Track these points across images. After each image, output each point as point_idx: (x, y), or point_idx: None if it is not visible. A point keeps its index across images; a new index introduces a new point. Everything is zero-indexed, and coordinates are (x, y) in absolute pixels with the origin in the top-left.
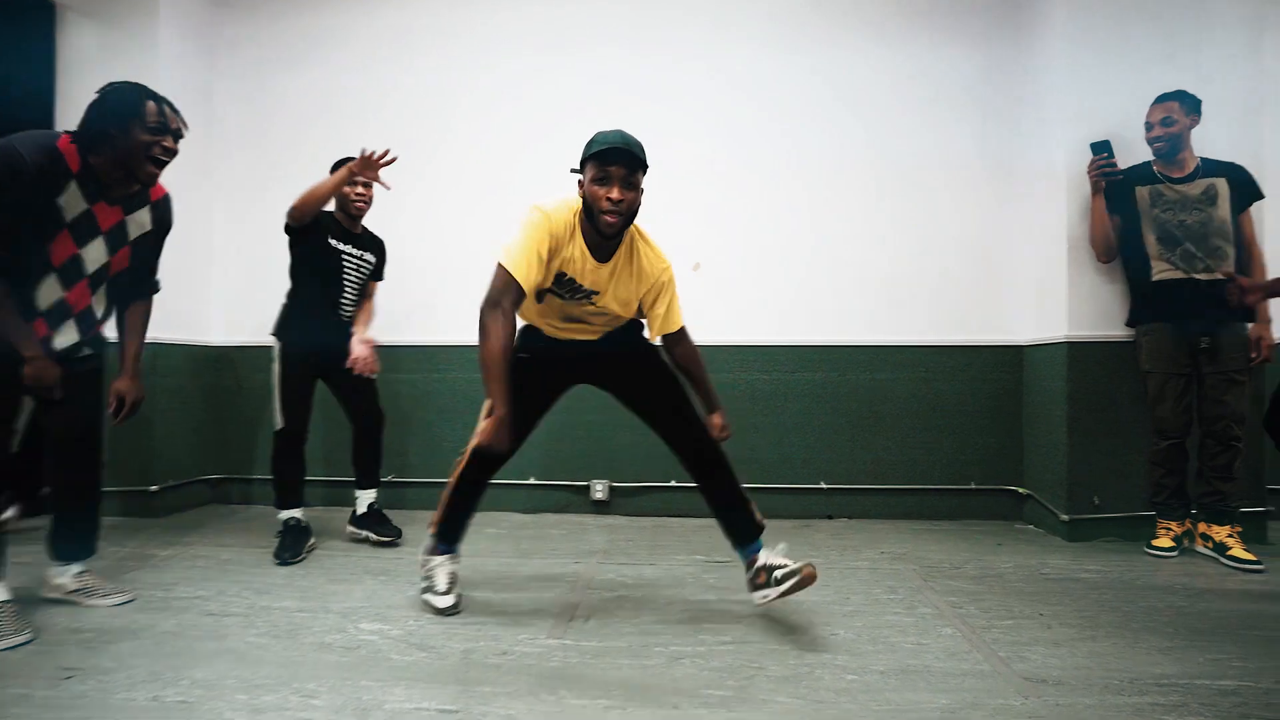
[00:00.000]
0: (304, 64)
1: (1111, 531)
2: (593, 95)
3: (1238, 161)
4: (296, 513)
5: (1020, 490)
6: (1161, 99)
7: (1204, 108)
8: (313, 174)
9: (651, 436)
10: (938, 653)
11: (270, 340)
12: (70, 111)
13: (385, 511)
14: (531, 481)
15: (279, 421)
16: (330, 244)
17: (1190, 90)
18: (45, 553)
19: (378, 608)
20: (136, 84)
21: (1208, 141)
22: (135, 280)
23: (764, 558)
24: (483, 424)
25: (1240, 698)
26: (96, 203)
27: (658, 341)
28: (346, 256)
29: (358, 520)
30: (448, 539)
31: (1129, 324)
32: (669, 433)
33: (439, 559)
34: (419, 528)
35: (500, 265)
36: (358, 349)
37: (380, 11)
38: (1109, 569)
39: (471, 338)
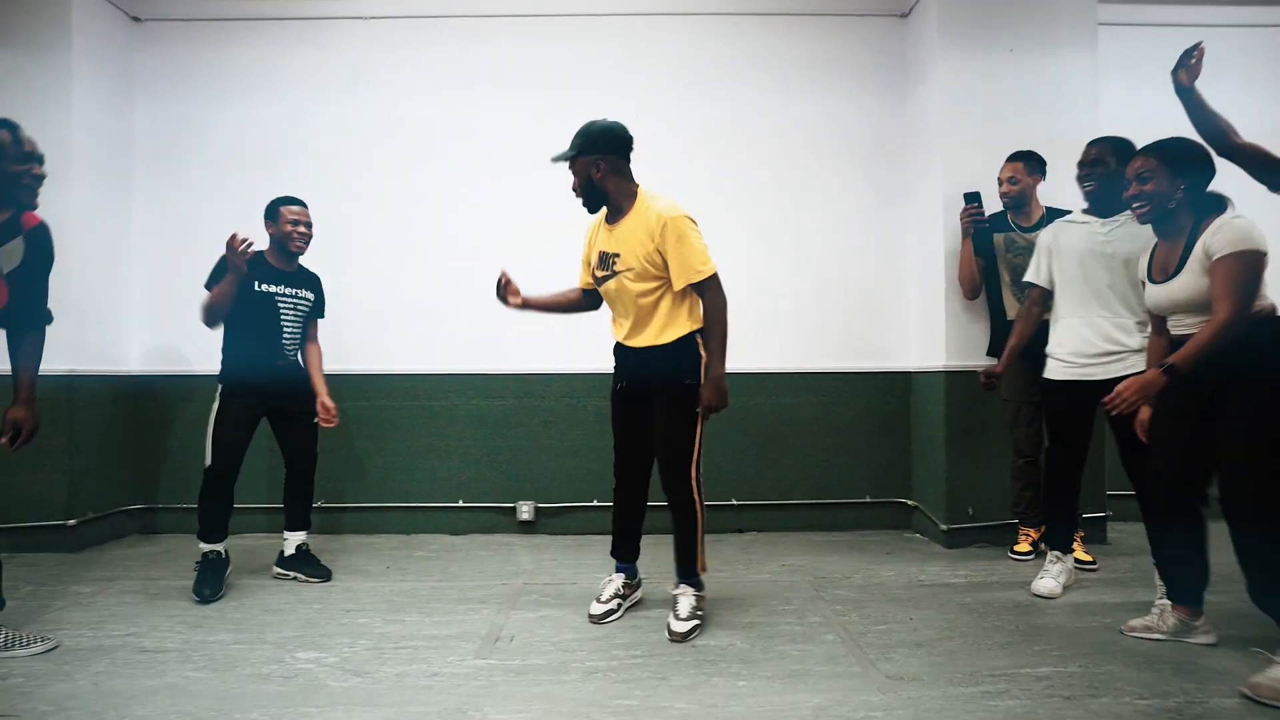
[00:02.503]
0: (225, 93)
1: (983, 538)
2: (514, 131)
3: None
4: (217, 546)
5: (909, 502)
6: (1010, 158)
7: (1054, 160)
8: (232, 202)
9: (575, 459)
10: (819, 658)
11: (191, 369)
12: None
13: (313, 549)
14: (460, 504)
15: (208, 459)
16: (257, 289)
17: (1039, 147)
18: None
19: (312, 636)
20: None
21: (1053, 191)
22: (22, 314)
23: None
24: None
25: (1050, 682)
26: None
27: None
28: (281, 298)
29: (285, 561)
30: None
31: (988, 354)
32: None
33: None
34: (353, 555)
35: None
36: (325, 402)
37: (299, 47)
38: (975, 574)
39: (403, 368)
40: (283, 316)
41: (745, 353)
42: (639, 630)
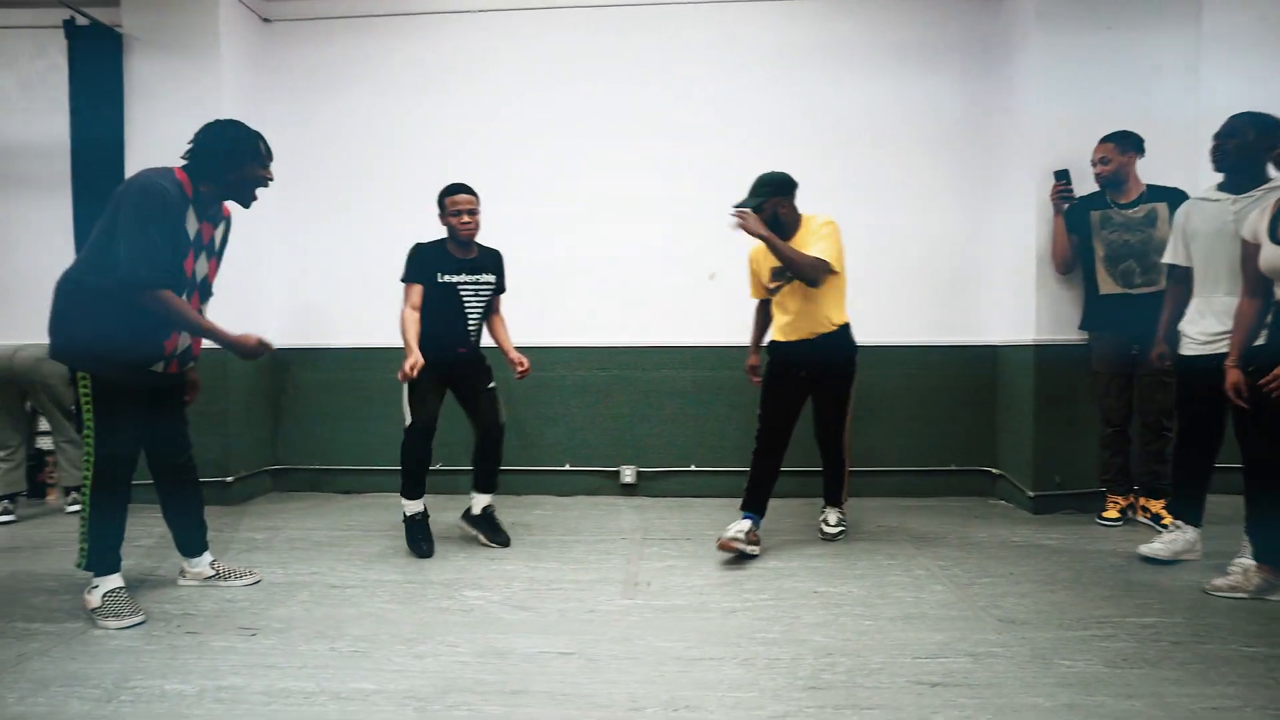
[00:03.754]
0: (348, 85)
1: (1070, 505)
2: (617, 118)
3: (1179, 186)
4: (419, 504)
5: (993, 470)
6: (1102, 140)
7: (1153, 137)
8: (356, 192)
9: (673, 425)
10: (932, 604)
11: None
12: (137, 137)
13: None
14: (566, 468)
15: (407, 418)
16: (439, 279)
17: (1137, 124)
18: (175, 549)
19: (470, 579)
20: (237, 123)
21: (1155, 168)
22: (207, 287)
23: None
24: None
25: (1155, 629)
26: (203, 222)
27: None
28: (462, 286)
29: (472, 520)
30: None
31: (1081, 328)
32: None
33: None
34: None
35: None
36: (513, 357)
37: (418, 38)
38: (1066, 537)
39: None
40: (465, 304)
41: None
42: (763, 578)
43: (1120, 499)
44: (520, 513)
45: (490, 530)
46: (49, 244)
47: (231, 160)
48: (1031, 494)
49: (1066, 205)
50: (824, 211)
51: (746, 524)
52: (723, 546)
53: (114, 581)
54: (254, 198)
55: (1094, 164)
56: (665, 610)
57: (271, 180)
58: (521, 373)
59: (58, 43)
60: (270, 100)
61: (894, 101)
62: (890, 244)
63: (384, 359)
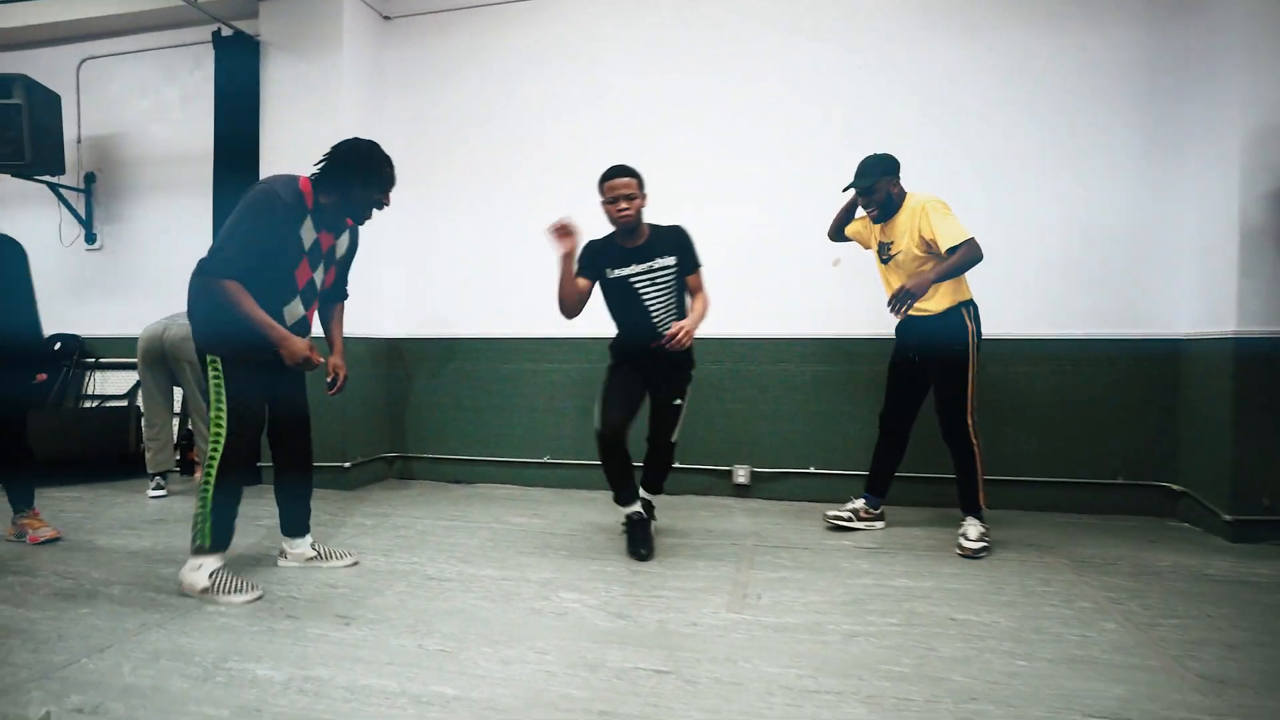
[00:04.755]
0: (464, 76)
1: (1278, 534)
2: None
3: None
4: (635, 507)
5: (1174, 486)
6: None
7: None
8: (473, 183)
9: (791, 424)
10: (1103, 645)
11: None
12: (271, 137)
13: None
14: (675, 465)
15: (596, 422)
16: (610, 276)
17: None
18: (279, 529)
19: (568, 579)
20: (374, 144)
21: None
22: (337, 289)
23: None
24: None
25: None
26: (321, 231)
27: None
28: (635, 279)
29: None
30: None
31: None
32: (940, 424)
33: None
34: (581, 508)
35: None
36: (676, 327)
37: (528, 28)
38: (1276, 575)
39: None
40: (644, 297)
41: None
42: (890, 598)
43: None
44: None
45: (638, 539)
46: (194, 242)
47: (355, 179)
48: (1228, 517)
49: None
50: (932, 190)
51: (860, 502)
52: (828, 523)
53: (217, 562)
54: (369, 217)
55: None
56: (776, 629)
57: (387, 205)
58: (677, 340)
59: (210, 55)
60: (389, 95)
61: (1056, 51)
62: (1044, 219)
63: (499, 350)
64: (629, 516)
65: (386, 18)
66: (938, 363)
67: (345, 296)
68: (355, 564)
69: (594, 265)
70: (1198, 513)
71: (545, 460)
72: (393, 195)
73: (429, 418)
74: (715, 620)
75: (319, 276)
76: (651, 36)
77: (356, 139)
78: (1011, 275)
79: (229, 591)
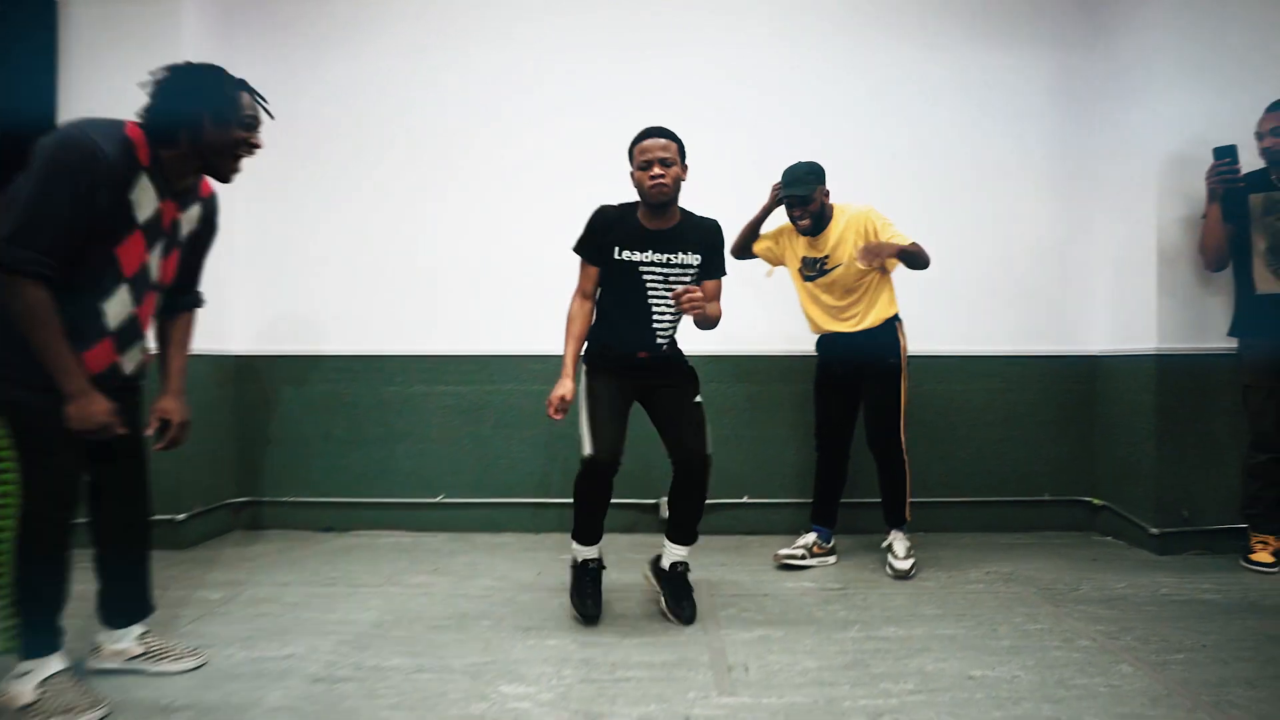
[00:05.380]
0: (334, 52)
1: (1198, 544)
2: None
3: None
4: (593, 550)
5: (1094, 501)
6: (1273, 108)
7: None
8: (340, 172)
9: (723, 449)
10: (1136, 696)
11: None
12: (74, 104)
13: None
14: (745, 500)
15: (586, 446)
16: (617, 255)
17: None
18: (96, 618)
19: (505, 663)
20: (217, 68)
21: None
22: (182, 289)
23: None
24: None
25: None
26: (165, 199)
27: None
28: (647, 268)
29: (659, 573)
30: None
31: (1231, 334)
32: (869, 438)
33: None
34: (491, 557)
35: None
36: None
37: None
38: (1226, 587)
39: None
40: (650, 293)
41: (910, 335)
42: (891, 654)
43: (1271, 539)
44: (545, 555)
45: (676, 595)
46: None
47: (202, 113)
48: (1155, 531)
49: (1224, 189)
50: (863, 202)
51: (811, 537)
52: (779, 563)
53: (53, 664)
54: (234, 169)
55: (1262, 136)
56: (786, 714)
57: (257, 146)
58: (682, 293)
59: None
60: (245, 64)
61: (978, 71)
62: (968, 242)
63: (383, 370)
64: (585, 562)
65: None
66: (870, 377)
67: (197, 303)
68: (201, 665)
69: (602, 240)
70: (1118, 526)
71: (439, 500)
72: (252, 176)
73: (291, 453)
74: (711, 710)
75: (154, 261)
76: (568, 19)
77: (188, 63)
78: (938, 291)
79: (55, 714)
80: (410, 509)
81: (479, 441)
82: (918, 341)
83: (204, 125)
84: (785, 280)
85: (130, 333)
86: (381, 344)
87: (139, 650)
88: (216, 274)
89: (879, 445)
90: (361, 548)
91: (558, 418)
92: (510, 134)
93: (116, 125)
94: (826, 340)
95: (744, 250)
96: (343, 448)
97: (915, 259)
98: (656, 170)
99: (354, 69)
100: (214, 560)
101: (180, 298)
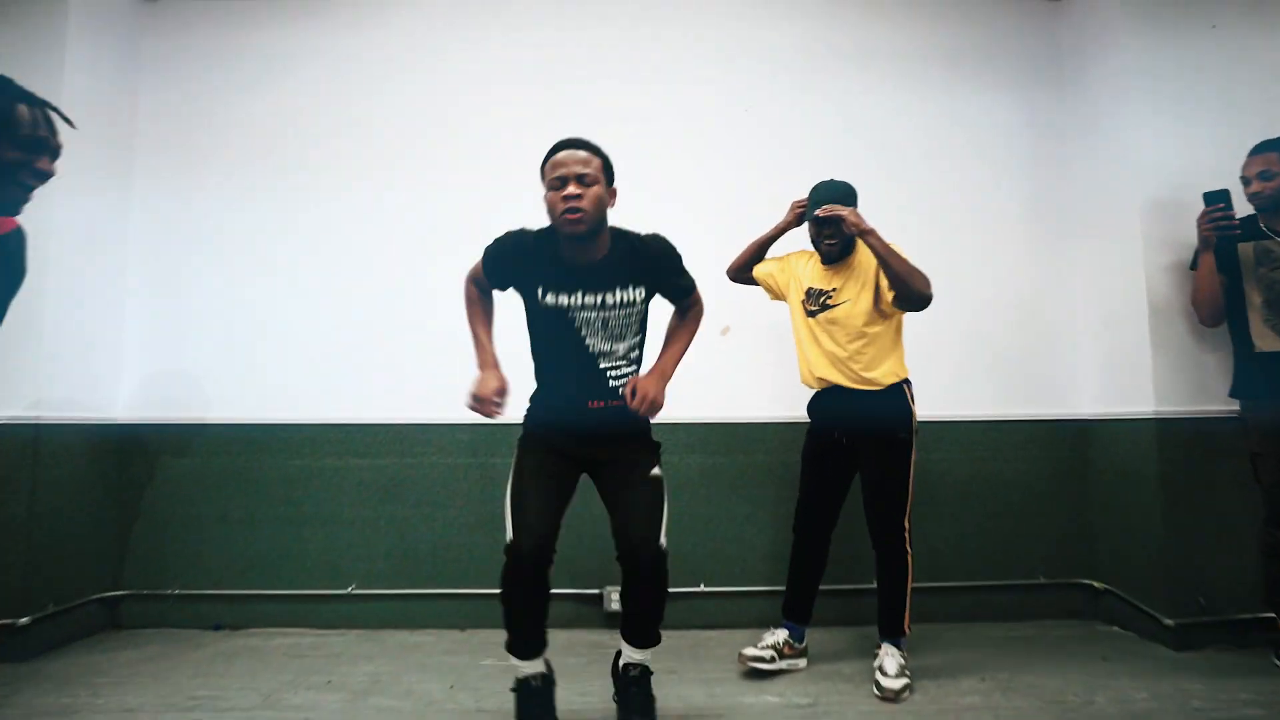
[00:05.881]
0: (244, 80)
1: (1221, 638)
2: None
3: None
4: (536, 664)
5: (1094, 584)
6: (1257, 150)
7: None
8: (249, 213)
9: (676, 530)
10: None
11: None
12: None
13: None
14: (702, 588)
15: (508, 533)
16: (542, 301)
17: (1254, 135)
18: None
19: None
20: (3, 78)
21: None
22: None
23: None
24: None
25: None
26: None
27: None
28: (577, 312)
29: (616, 676)
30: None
31: (1232, 395)
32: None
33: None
34: (376, 661)
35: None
36: (637, 385)
37: (339, 34)
38: (1268, 697)
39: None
40: (589, 339)
41: None
42: None
43: None
44: (465, 664)
45: (627, 706)
46: None
47: None
48: (1170, 622)
49: (1218, 237)
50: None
51: (782, 634)
52: (745, 666)
53: None
54: (23, 198)
55: (1247, 181)
56: None
57: (47, 173)
58: (636, 404)
59: None
60: (145, 91)
61: (948, 118)
62: (940, 296)
63: (287, 441)
64: (527, 681)
65: None
66: (875, 450)
67: None
68: None
69: (514, 275)
70: (1126, 614)
71: (350, 591)
72: (140, 220)
73: (178, 536)
74: None
75: None
76: (519, 52)
77: None
78: (910, 351)
79: None
80: (316, 602)
81: (397, 523)
82: None
83: None
84: (743, 335)
85: None
86: (289, 411)
87: None
88: (97, 332)
89: (882, 536)
90: (250, 651)
91: (498, 414)
92: (437, 187)
93: None
94: (823, 400)
95: (743, 272)
96: (241, 530)
97: (899, 275)
98: (571, 189)
99: (263, 108)
100: (56, 675)
101: None
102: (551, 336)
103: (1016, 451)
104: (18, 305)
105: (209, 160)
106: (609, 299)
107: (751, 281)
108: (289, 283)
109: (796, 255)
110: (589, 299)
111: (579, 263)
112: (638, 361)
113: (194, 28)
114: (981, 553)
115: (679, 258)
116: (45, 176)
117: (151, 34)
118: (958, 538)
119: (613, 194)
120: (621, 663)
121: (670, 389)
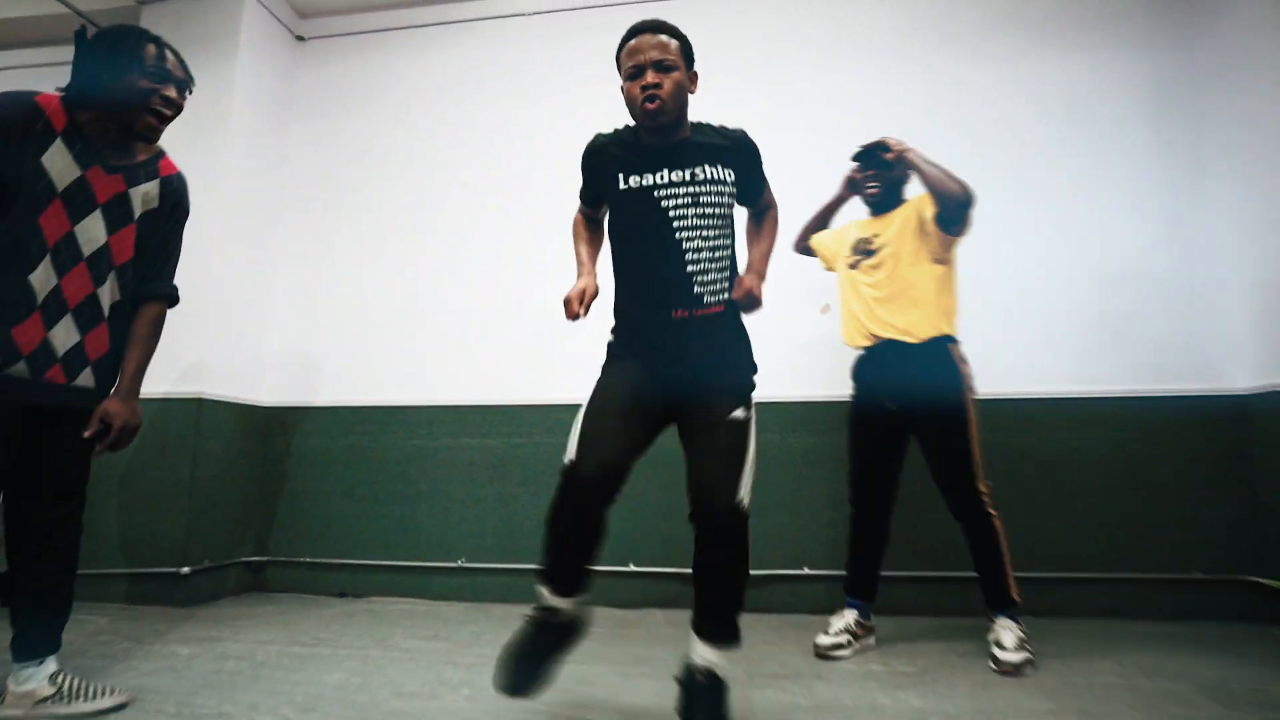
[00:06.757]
0: (377, 107)
1: None
2: None
3: None
4: (563, 601)
5: (1263, 581)
6: None
7: None
8: (378, 225)
9: (779, 513)
10: None
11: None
12: None
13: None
14: (630, 568)
15: (570, 451)
16: (623, 186)
17: None
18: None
19: None
20: (128, 25)
21: None
22: (146, 276)
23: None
24: None
25: None
26: (90, 168)
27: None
28: (665, 192)
29: (682, 676)
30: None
31: None
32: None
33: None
34: (480, 624)
35: None
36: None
37: (461, 54)
38: None
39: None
40: (677, 227)
41: (1004, 373)
42: None
43: None
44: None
45: (690, 712)
46: None
47: (107, 69)
48: None
49: None
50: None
51: (851, 615)
52: (821, 656)
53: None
54: (149, 126)
55: None
56: None
57: (170, 109)
58: (737, 295)
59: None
60: (294, 122)
61: (1072, 79)
62: (1078, 260)
63: (407, 421)
64: (544, 611)
65: (300, 38)
66: (927, 417)
67: (158, 294)
68: (123, 705)
69: (601, 173)
70: None
71: (459, 564)
72: (289, 227)
73: (311, 510)
74: None
75: (90, 233)
76: (591, 59)
77: (110, 26)
78: (1025, 326)
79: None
80: (429, 574)
81: (504, 500)
82: (1007, 383)
83: (108, 78)
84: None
85: (56, 307)
86: (410, 394)
87: (48, 692)
88: (249, 327)
89: (958, 505)
90: (368, 614)
91: (582, 313)
92: (550, 181)
93: (28, 93)
94: (867, 362)
95: (805, 240)
96: (365, 506)
97: (935, 180)
98: (650, 78)
99: (398, 123)
100: (206, 618)
101: (144, 286)
102: (636, 224)
103: (1159, 431)
104: (188, 299)
105: (348, 177)
106: (699, 174)
107: (810, 252)
108: (410, 283)
109: (849, 225)
110: (675, 175)
111: (661, 145)
112: (728, 270)
113: (335, 62)
114: (1122, 543)
115: (760, 155)
116: (173, 105)
117: (304, 67)
118: (1091, 526)
119: (694, 79)
120: (692, 662)
121: (770, 366)
